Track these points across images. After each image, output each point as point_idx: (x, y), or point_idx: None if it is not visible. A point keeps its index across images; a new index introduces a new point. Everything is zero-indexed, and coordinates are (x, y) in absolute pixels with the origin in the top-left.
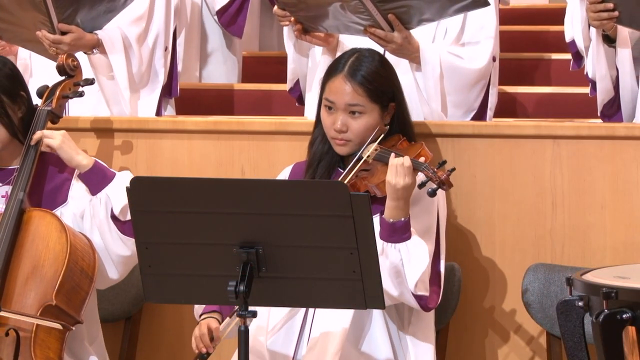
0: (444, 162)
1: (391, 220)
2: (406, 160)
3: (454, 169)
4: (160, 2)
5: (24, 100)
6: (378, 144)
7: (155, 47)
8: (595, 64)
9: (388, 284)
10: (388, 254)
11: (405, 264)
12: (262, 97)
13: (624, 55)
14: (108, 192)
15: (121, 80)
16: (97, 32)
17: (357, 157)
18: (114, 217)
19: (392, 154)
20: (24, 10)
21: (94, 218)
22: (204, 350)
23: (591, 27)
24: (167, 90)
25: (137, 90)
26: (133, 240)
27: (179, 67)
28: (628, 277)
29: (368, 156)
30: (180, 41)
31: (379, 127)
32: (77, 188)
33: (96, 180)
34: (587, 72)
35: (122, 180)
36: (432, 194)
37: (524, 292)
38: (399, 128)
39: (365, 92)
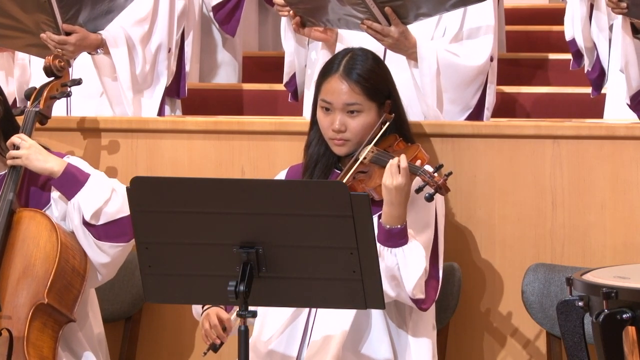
0: (441, 165)
1: (387, 226)
2: (402, 161)
3: (450, 173)
4: (164, 3)
5: (1, 103)
6: (374, 144)
7: (159, 49)
8: (622, 52)
9: (385, 286)
10: (385, 257)
11: (402, 269)
12: (266, 98)
13: None
14: (79, 198)
15: (124, 80)
16: (101, 32)
17: (354, 157)
18: (87, 223)
19: (391, 159)
20: (27, 13)
21: (71, 223)
22: (217, 341)
23: (619, 17)
24: (175, 91)
25: (140, 91)
26: (109, 244)
27: (187, 68)
28: (628, 277)
29: (365, 158)
30: (188, 42)
31: (385, 116)
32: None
33: (67, 186)
34: (587, 71)
35: (93, 184)
36: (430, 198)
37: (523, 292)
38: (395, 127)
39: (362, 90)
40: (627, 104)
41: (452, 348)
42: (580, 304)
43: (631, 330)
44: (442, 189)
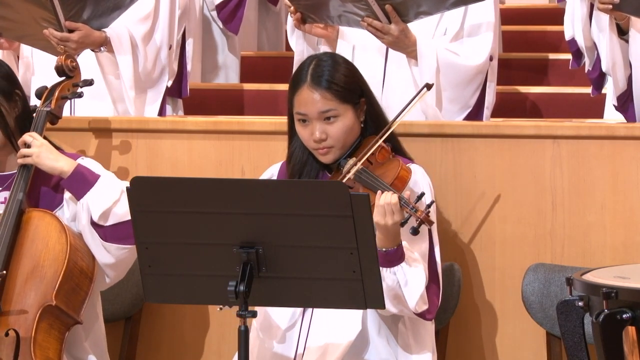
0: (422, 194)
1: (384, 249)
2: (393, 198)
3: (432, 202)
4: (165, 1)
5: (19, 98)
6: (355, 154)
7: (161, 46)
8: (609, 53)
9: (387, 304)
10: (384, 277)
11: (403, 287)
12: (266, 98)
13: (638, 49)
14: (88, 198)
15: (126, 79)
16: (105, 30)
17: (339, 165)
18: (95, 224)
19: (378, 192)
20: (29, 7)
21: (79, 223)
22: None
23: (602, 16)
24: (177, 91)
25: (144, 90)
26: (116, 246)
27: (189, 68)
28: (628, 277)
29: (348, 171)
30: (189, 42)
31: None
32: None
33: (77, 186)
34: (588, 71)
35: (103, 184)
36: (415, 232)
37: (523, 292)
38: (372, 123)
39: (334, 95)
40: (614, 105)
41: (452, 348)
42: (580, 304)
43: (631, 330)
44: (425, 222)
